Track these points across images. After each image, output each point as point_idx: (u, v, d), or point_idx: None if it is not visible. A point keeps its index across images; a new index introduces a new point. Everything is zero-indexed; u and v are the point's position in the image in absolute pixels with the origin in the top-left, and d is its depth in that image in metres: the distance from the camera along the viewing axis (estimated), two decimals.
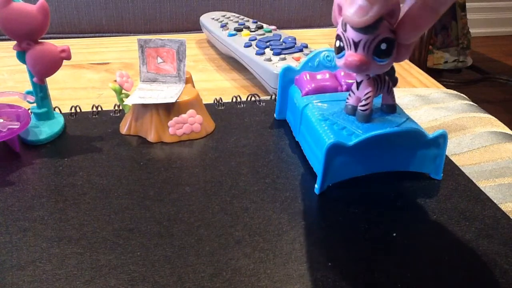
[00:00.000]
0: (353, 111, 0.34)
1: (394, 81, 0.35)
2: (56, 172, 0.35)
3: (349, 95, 0.34)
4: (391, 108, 0.35)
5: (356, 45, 0.29)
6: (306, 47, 0.53)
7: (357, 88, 0.33)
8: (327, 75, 0.39)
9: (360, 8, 0.27)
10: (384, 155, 0.33)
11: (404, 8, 0.29)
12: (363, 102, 0.33)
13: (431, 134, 0.33)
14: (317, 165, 0.33)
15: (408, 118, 0.35)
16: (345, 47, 0.30)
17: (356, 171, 0.33)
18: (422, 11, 0.28)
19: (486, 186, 0.35)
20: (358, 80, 0.33)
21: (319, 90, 0.38)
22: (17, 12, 0.34)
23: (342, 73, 0.39)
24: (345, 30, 0.30)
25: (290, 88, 0.41)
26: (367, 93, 0.33)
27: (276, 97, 0.46)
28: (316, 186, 0.33)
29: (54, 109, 0.42)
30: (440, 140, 0.33)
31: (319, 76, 0.39)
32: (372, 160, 0.33)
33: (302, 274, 0.27)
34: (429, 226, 0.30)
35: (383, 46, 0.29)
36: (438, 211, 0.32)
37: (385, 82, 0.33)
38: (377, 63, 0.30)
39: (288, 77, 0.40)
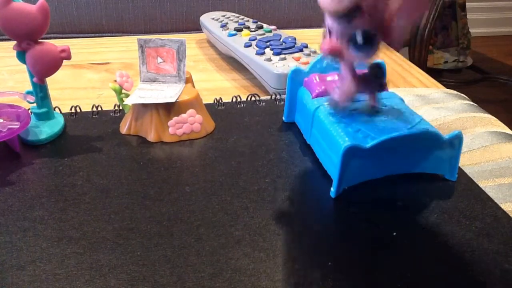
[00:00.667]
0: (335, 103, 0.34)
1: (381, 85, 0.34)
2: (56, 172, 0.35)
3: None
4: (373, 109, 0.34)
5: (330, 32, 0.29)
6: (306, 47, 0.53)
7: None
8: (337, 77, 0.38)
9: None
10: (399, 157, 0.33)
11: None
12: (337, 91, 0.32)
13: (446, 135, 0.32)
14: (332, 168, 0.33)
15: (422, 120, 0.34)
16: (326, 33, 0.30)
17: (372, 174, 0.33)
18: None
19: (486, 186, 0.35)
20: (341, 70, 0.32)
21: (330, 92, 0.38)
22: (17, 12, 0.34)
23: None
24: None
25: (299, 90, 0.40)
26: (343, 84, 0.32)
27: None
28: (332, 189, 0.32)
29: (54, 109, 0.42)
30: (456, 142, 0.33)
31: (329, 78, 0.38)
32: (388, 162, 0.33)
33: (302, 274, 0.27)
34: (429, 226, 0.30)
35: (359, 38, 0.28)
36: (438, 210, 0.32)
37: (369, 81, 0.33)
38: (353, 54, 0.29)
39: (296, 79, 0.40)
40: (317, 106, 0.36)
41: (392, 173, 0.34)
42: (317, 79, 0.38)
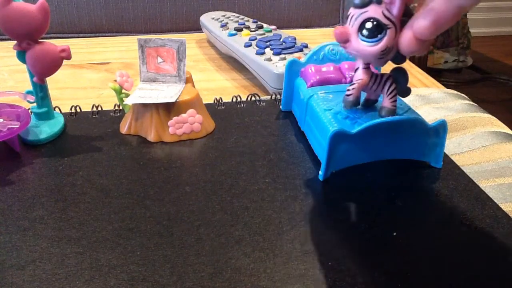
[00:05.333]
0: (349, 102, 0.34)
1: (403, 90, 0.34)
2: (56, 172, 0.35)
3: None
4: (388, 112, 0.33)
5: (347, 18, 0.31)
6: (306, 46, 0.53)
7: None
8: (332, 68, 0.40)
9: None
10: (385, 143, 0.34)
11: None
12: (349, 87, 0.33)
13: (431, 123, 0.34)
14: (322, 153, 0.34)
15: (410, 109, 0.36)
16: None
17: (358, 159, 0.34)
18: (447, 4, 0.26)
19: (486, 186, 0.35)
20: (356, 66, 0.33)
21: (324, 82, 0.39)
22: (17, 12, 0.34)
23: (346, 66, 0.40)
24: None
25: (296, 81, 0.42)
26: (357, 80, 0.33)
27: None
28: (320, 172, 0.34)
29: (54, 109, 0.42)
30: (440, 130, 0.34)
31: (324, 69, 0.40)
32: (374, 148, 0.34)
33: (302, 273, 0.27)
34: (429, 226, 0.30)
35: (368, 24, 0.29)
36: (438, 210, 0.32)
37: (386, 83, 0.33)
38: (360, 41, 0.30)
39: (294, 69, 0.41)
40: (311, 95, 0.38)
41: (379, 159, 0.35)
42: (313, 69, 0.40)
